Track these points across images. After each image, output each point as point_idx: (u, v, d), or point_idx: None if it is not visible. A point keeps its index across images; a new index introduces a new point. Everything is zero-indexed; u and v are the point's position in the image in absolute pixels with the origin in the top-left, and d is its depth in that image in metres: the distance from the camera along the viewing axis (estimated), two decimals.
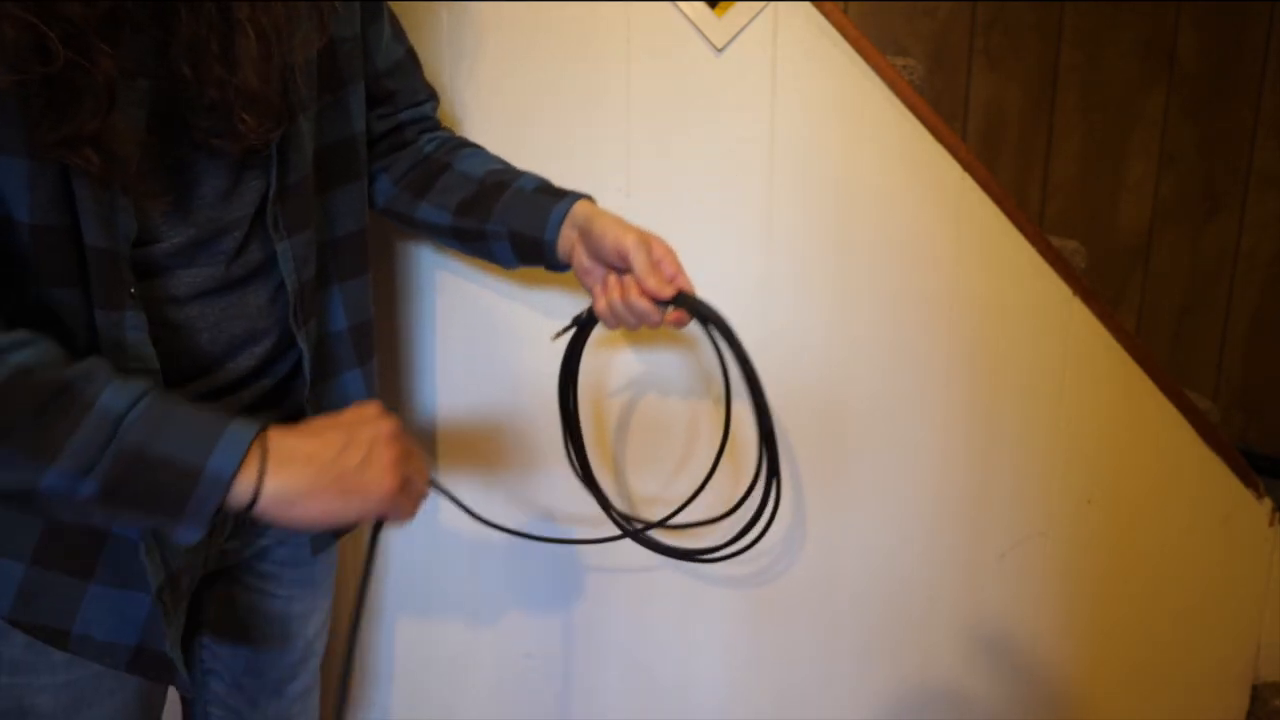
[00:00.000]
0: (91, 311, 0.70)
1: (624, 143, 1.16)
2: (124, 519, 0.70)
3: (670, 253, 0.89)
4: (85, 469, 0.63)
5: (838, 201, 1.18)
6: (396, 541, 1.29)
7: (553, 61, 1.14)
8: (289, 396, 0.88)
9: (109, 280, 0.70)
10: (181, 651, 1.00)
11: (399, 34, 0.97)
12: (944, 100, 2.08)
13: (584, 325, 0.98)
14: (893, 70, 1.15)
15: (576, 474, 1.06)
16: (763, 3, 1.12)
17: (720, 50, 1.13)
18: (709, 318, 0.88)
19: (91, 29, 0.62)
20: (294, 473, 0.69)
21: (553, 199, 0.93)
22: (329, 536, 0.95)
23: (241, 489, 0.67)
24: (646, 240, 0.88)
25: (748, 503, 1.01)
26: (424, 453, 0.80)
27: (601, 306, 0.90)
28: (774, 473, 0.97)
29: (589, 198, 0.95)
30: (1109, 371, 1.26)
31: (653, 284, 0.86)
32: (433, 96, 1.03)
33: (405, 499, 0.76)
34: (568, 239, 0.92)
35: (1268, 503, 1.34)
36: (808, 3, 1.12)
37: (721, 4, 1.12)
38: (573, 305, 1.21)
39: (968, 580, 1.32)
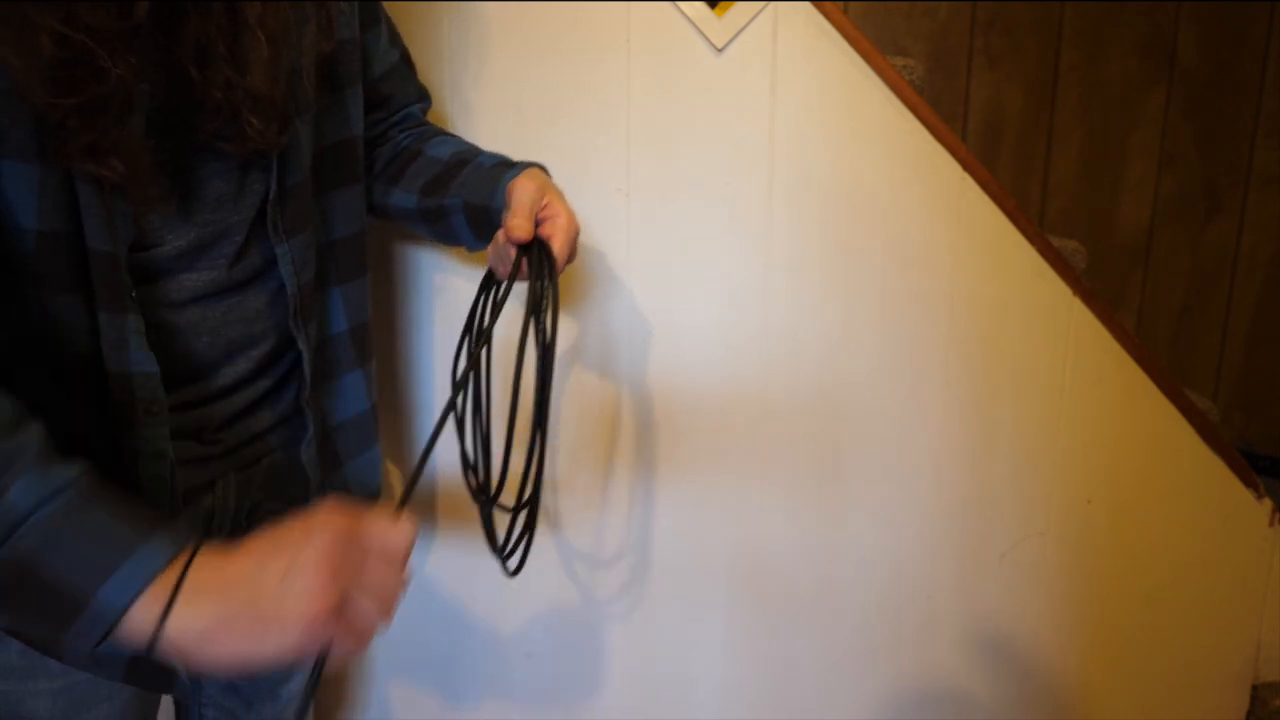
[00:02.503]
0: (94, 316, 0.69)
1: (624, 143, 1.16)
2: (8, 621, 0.65)
3: (564, 213, 0.86)
4: None
5: (837, 201, 1.18)
6: None
7: (553, 61, 1.14)
8: (286, 397, 0.88)
9: (110, 284, 0.70)
10: None
11: (395, 38, 0.97)
12: (944, 100, 2.08)
13: (487, 280, 0.94)
14: (893, 70, 1.15)
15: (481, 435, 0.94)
16: (763, 3, 1.12)
17: (720, 50, 1.13)
18: (542, 261, 0.82)
19: (116, 35, 0.62)
20: (204, 604, 0.57)
21: (506, 169, 0.92)
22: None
23: (136, 625, 0.57)
24: (545, 197, 0.86)
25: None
26: (399, 560, 0.61)
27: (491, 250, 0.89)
28: (536, 488, 0.88)
29: (542, 167, 0.94)
30: (1109, 371, 1.26)
31: (512, 222, 0.83)
32: (424, 98, 1.04)
33: (342, 630, 0.58)
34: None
35: (1268, 503, 1.34)
36: (808, 3, 1.12)
37: (721, 4, 1.12)
38: (572, 309, 1.21)
39: (968, 580, 1.31)
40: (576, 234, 0.88)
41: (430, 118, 1.09)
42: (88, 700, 0.83)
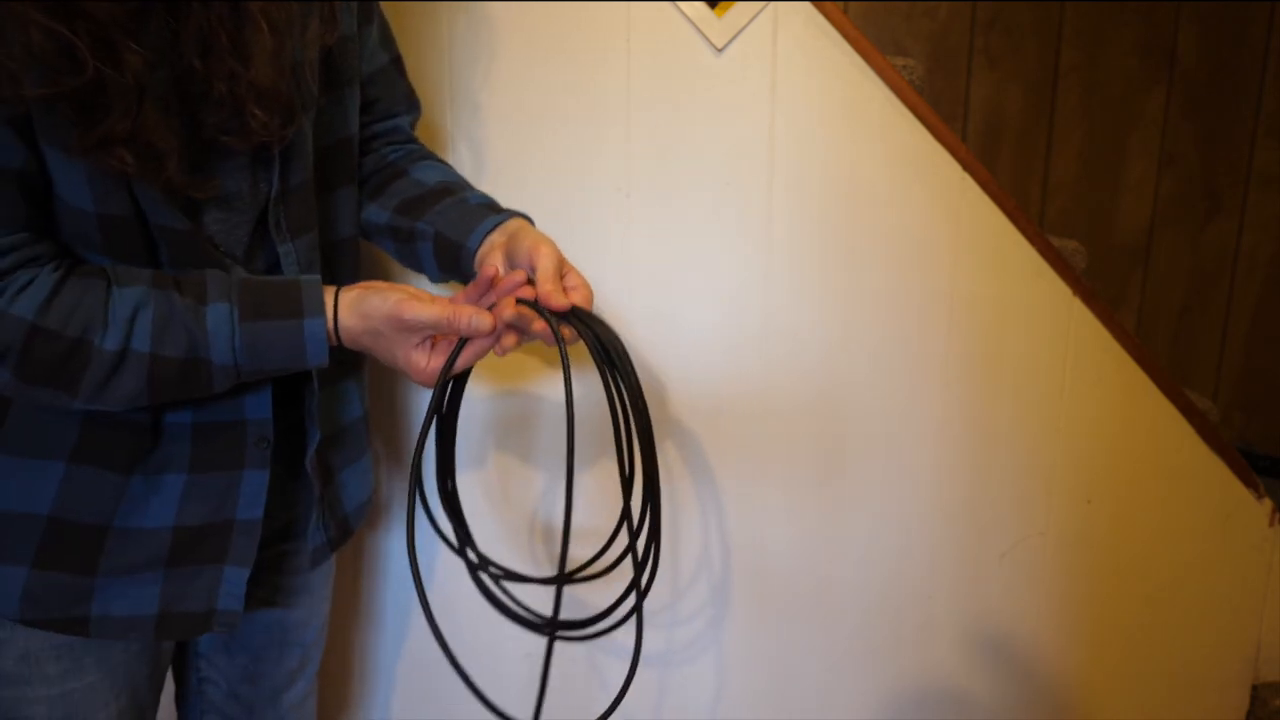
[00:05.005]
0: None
1: (624, 143, 1.16)
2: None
3: (585, 285, 0.82)
4: (231, 385, 0.77)
5: (838, 201, 1.18)
6: (396, 541, 1.29)
7: (553, 62, 1.14)
8: (291, 403, 0.88)
9: (179, 255, 0.75)
10: (177, 659, 1.00)
11: (386, 41, 0.94)
12: (944, 100, 2.08)
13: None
14: (893, 70, 1.15)
15: (442, 490, 0.90)
16: (763, 3, 1.12)
17: (720, 50, 1.13)
18: (598, 338, 0.78)
19: (118, 26, 0.63)
20: (355, 331, 0.78)
21: (491, 212, 0.89)
22: (325, 550, 0.95)
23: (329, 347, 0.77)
24: (562, 259, 0.82)
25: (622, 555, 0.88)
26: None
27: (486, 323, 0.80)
28: (655, 535, 0.82)
29: (528, 217, 0.91)
30: (1109, 371, 1.26)
31: (548, 288, 0.78)
32: (413, 109, 1.00)
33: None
34: (490, 245, 0.86)
35: (1268, 503, 1.34)
36: (808, 3, 1.12)
37: (721, 4, 1.12)
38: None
39: (968, 580, 1.31)
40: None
41: (429, 119, 1.09)
42: (84, 707, 0.83)
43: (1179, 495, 1.31)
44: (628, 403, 0.79)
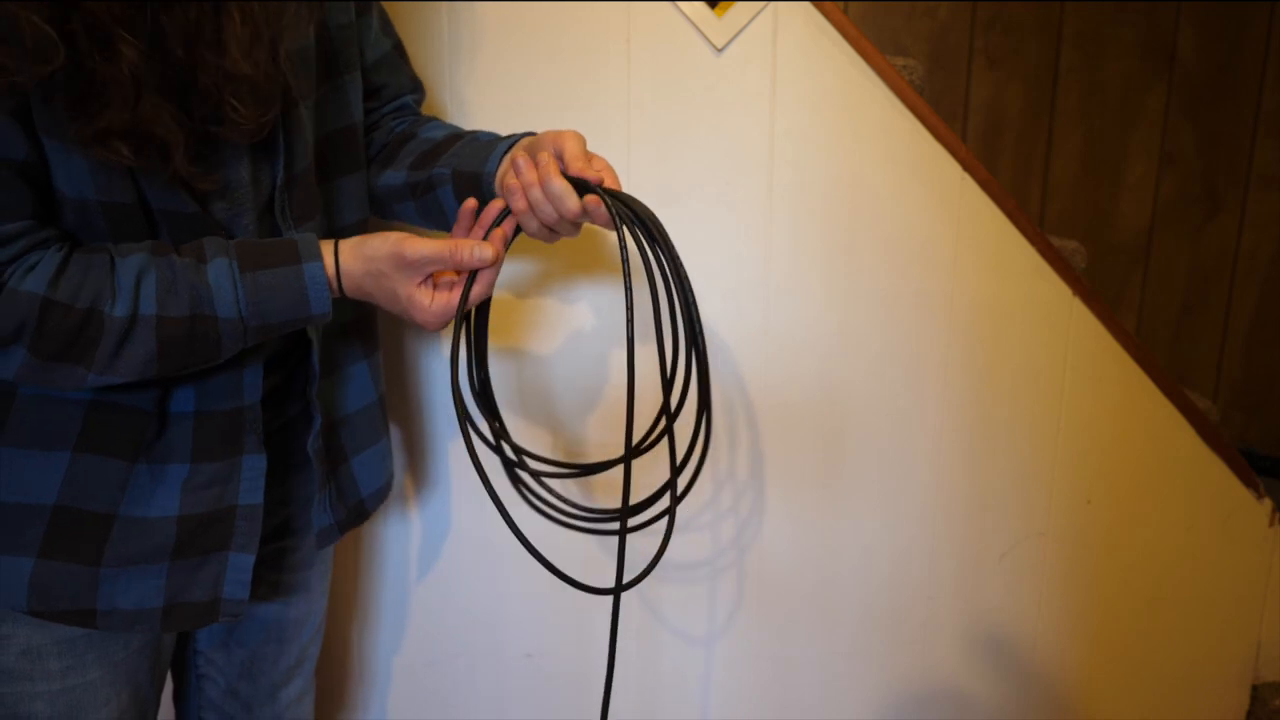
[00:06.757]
0: None
1: (624, 142, 1.16)
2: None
3: (611, 167, 0.83)
4: (242, 345, 0.78)
5: (838, 201, 1.18)
6: (396, 541, 1.29)
7: (553, 61, 1.14)
8: (295, 390, 0.88)
9: (184, 239, 0.75)
10: (176, 656, 1.00)
11: (387, 28, 0.96)
12: (944, 100, 2.08)
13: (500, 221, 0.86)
14: (893, 70, 1.15)
15: (472, 388, 0.94)
16: (763, 3, 1.12)
17: (720, 50, 1.13)
18: (632, 211, 0.79)
19: (114, 20, 0.63)
20: (358, 277, 0.79)
21: (500, 140, 0.90)
22: (334, 531, 0.95)
23: (332, 295, 0.79)
24: (585, 145, 0.83)
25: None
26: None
27: (520, 203, 0.81)
28: (704, 405, 0.84)
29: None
30: (1109, 371, 1.26)
31: (579, 165, 0.80)
32: (417, 90, 1.02)
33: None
34: (508, 161, 0.86)
35: (1268, 503, 1.34)
36: (808, 3, 1.12)
37: (721, 4, 1.12)
38: (577, 300, 1.21)
39: (968, 580, 1.31)
40: None
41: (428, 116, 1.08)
42: (86, 703, 0.83)
43: (1179, 495, 1.31)
44: (668, 272, 0.80)
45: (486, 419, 0.94)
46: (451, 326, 0.85)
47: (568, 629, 1.31)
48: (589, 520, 0.95)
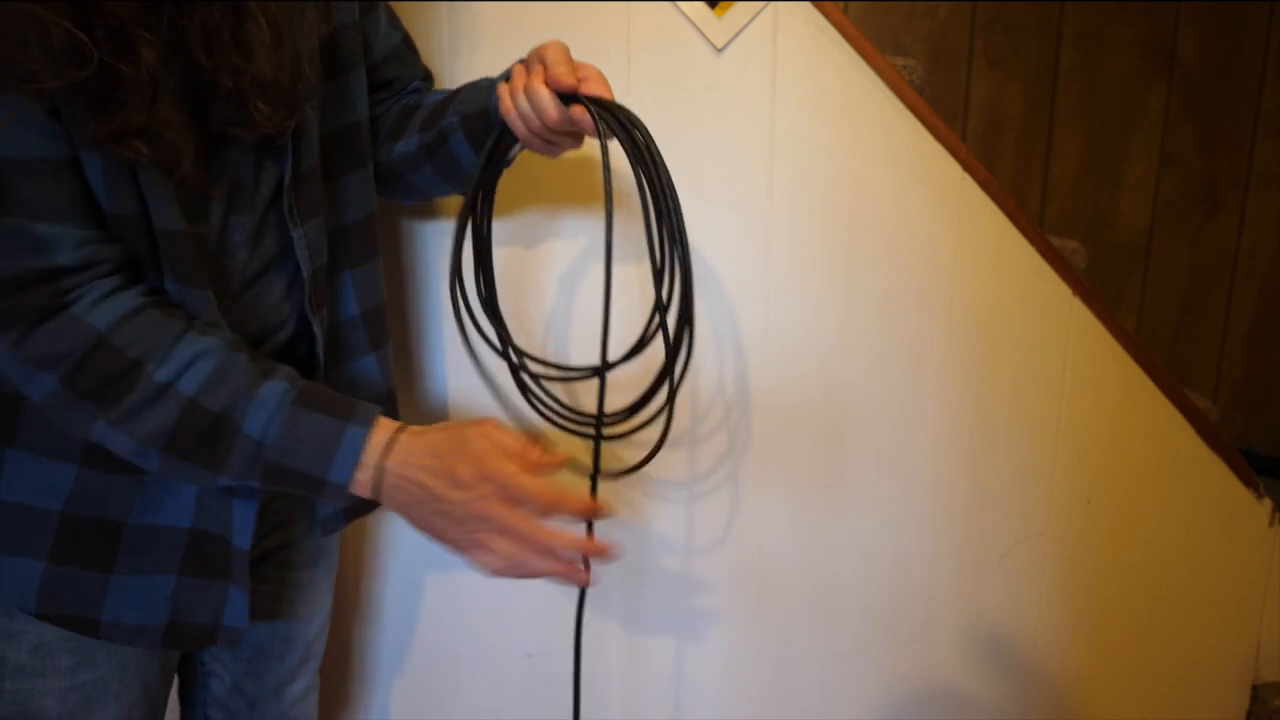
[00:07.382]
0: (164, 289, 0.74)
1: None
2: (279, 490, 0.78)
3: (600, 76, 0.83)
4: (246, 475, 0.74)
5: (837, 201, 1.18)
6: (396, 541, 1.29)
7: None
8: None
9: (181, 260, 0.74)
10: (183, 653, 1.00)
11: (394, 21, 0.97)
12: (944, 100, 2.08)
13: (500, 135, 0.88)
14: (893, 70, 1.15)
15: (480, 299, 0.95)
16: (763, 3, 1.12)
17: (720, 50, 1.13)
18: (616, 118, 0.80)
19: (133, 20, 0.64)
20: (406, 491, 0.75)
21: (498, 78, 0.90)
22: (339, 519, 0.95)
23: (361, 487, 0.75)
24: (568, 53, 0.83)
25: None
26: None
27: (507, 104, 0.83)
28: (687, 319, 0.85)
29: None
30: (1109, 371, 1.26)
31: (559, 71, 0.80)
32: (428, 78, 1.04)
33: (533, 561, 0.75)
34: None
35: (1268, 503, 1.34)
36: (808, 3, 1.12)
37: (721, 4, 1.12)
38: (580, 292, 1.21)
39: (968, 580, 1.31)
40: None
41: None
42: (97, 700, 0.83)
43: (1179, 495, 1.31)
44: (654, 178, 0.82)
45: (493, 324, 0.95)
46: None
47: (568, 629, 1.31)
48: (581, 424, 0.96)
